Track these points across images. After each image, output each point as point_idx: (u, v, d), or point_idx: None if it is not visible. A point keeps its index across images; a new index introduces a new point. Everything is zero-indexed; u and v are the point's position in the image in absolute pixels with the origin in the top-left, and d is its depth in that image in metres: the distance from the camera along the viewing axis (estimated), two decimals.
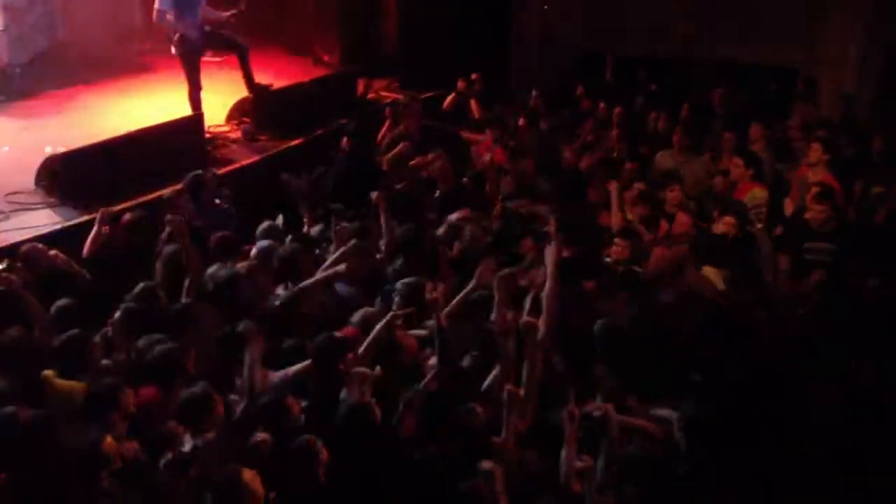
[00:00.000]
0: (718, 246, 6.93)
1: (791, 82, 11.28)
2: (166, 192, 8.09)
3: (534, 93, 11.02)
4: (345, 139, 9.33)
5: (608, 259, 7.08)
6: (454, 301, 5.85)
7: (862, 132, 9.67)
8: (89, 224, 7.22)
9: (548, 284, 5.52)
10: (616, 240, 7.13)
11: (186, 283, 6.16)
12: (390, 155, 9.24)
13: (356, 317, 5.77)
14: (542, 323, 5.21)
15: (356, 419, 4.71)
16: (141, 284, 6.09)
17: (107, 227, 6.93)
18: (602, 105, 10.85)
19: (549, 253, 5.67)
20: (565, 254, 6.13)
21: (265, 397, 4.93)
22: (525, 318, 5.24)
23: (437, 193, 8.49)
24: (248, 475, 4.14)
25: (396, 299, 5.93)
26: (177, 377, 5.07)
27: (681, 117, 10.10)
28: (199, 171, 8.04)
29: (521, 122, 10.29)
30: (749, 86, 11.25)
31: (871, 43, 11.60)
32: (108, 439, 4.40)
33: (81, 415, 4.77)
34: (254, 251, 6.97)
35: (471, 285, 5.88)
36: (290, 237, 7.14)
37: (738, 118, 9.89)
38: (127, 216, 7.21)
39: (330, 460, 4.46)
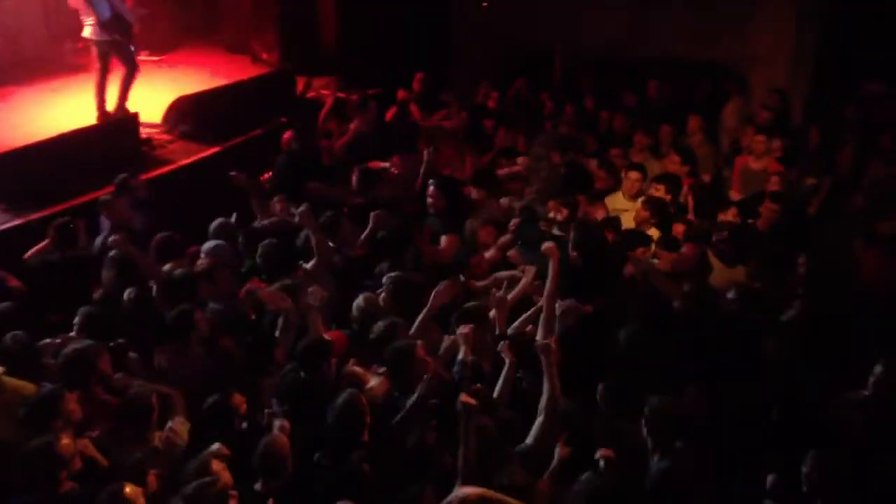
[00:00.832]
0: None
1: (726, 79, 11.49)
2: (102, 194, 7.99)
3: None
4: (286, 135, 9.30)
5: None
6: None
7: (795, 126, 9.90)
8: (25, 227, 7.15)
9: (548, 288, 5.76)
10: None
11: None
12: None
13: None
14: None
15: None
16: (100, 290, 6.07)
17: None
18: (549, 104, 10.95)
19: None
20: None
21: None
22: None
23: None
24: (130, 490, 4.07)
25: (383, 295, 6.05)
26: (90, 378, 4.99)
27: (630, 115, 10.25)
28: (126, 174, 7.97)
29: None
30: (684, 83, 11.41)
31: (802, 38, 11.86)
32: (65, 440, 4.30)
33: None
34: (207, 249, 6.92)
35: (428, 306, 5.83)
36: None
37: (674, 112, 10.06)
38: (56, 222, 7.11)
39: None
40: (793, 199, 8.04)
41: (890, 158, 8.57)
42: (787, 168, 8.47)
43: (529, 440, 4.80)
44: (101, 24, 9.10)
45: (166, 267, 6.62)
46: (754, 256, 6.62)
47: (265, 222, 7.54)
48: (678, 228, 7.25)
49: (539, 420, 4.83)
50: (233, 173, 7.87)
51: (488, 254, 7.18)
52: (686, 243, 6.88)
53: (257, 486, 4.44)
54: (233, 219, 7.60)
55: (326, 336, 5.48)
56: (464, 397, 4.45)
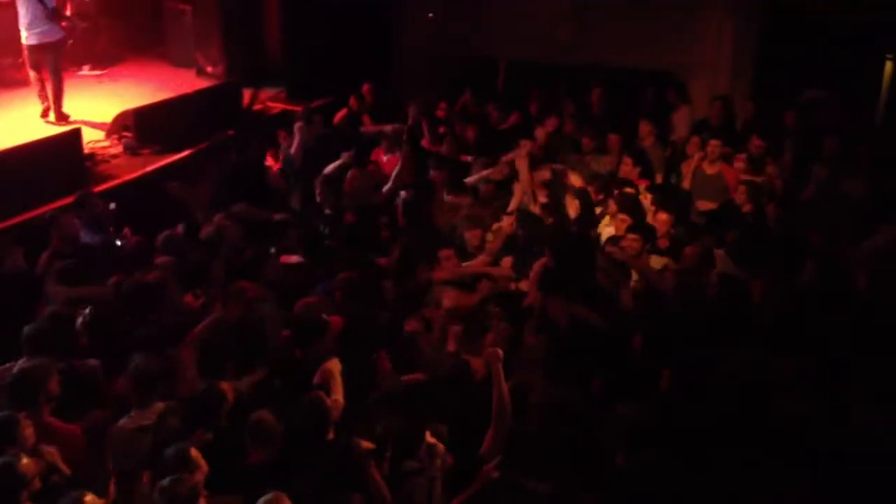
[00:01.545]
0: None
1: (669, 87, 11.66)
2: (48, 210, 7.87)
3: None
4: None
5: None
6: None
7: (738, 132, 10.06)
8: None
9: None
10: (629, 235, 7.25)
11: None
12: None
13: None
14: None
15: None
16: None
17: None
18: (494, 111, 11.02)
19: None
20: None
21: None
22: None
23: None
24: (91, 499, 4.06)
25: None
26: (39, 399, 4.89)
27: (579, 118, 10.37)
28: (87, 190, 7.87)
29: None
30: (627, 89, 11.56)
31: (742, 46, 12.10)
32: (25, 459, 4.24)
33: None
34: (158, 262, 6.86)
35: None
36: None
37: (619, 120, 10.20)
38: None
39: None
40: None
41: (833, 163, 8.74)
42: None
43: (482, 450, 4.81)
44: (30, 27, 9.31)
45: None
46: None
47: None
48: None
49: (490, 431, 4.85)
50: (170, 184, 7.84)
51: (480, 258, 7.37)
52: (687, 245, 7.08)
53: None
54: (179, 230, 7.54)
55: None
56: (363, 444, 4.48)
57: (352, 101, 11.08)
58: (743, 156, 8.87)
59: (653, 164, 9.24)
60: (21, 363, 5.08)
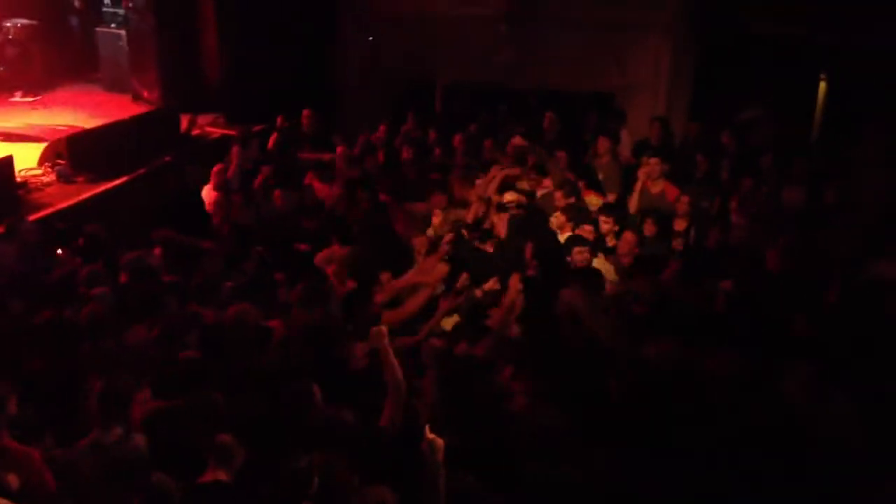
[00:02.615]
0: None
1: (608, 106, 11.77)
2: None
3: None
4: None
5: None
6: None
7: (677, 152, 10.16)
8: None
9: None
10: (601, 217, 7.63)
11: None
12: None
13: None
14: None
15: None
16: None
17: None
18: (433, 133, 11.01)
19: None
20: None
21: None
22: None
23: None
24: None
25: None
26: None
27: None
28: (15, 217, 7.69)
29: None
30: (567, 111, 11.63)
31: (679, 69, 12.29)
32: None
33: None
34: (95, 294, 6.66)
35: None
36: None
37: (563, 140, 10.25)
38: None
39: None
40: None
41: (770, 179, 8.89)
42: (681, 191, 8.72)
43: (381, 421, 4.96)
44: None
45: None
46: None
47: None
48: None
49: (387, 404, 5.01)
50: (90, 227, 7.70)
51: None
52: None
53: None
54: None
55: None
56: None
57: (279, 121, 10.93)
58: (656, 160, 8.94)
59: (607, 182, 9.34)
60: None
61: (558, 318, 6.41)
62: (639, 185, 8.91)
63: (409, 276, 7.45)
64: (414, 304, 6.99)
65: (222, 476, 4.46)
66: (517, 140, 10.12)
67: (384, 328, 5.32)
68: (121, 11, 12.29)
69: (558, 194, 8.50)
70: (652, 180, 8.82)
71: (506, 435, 4.98)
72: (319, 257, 7.76)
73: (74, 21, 13.47)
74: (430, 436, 4.48)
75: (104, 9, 12.60)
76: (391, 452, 4.64)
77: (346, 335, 5.91)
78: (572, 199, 8.40)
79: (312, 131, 11.07)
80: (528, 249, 7.49)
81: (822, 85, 11.48)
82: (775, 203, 8.50)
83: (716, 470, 4.69)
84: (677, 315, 6.32)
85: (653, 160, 8.90)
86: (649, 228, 7.92)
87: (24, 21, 12.38)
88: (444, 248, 7.56)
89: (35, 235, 7.68)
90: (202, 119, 11.87)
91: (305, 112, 11.13)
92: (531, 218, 8.29)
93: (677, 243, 7.99)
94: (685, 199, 8.26)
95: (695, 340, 5.76)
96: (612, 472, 4.72)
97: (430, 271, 7.40)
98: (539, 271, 7.12)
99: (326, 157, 10.16)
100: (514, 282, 6.83)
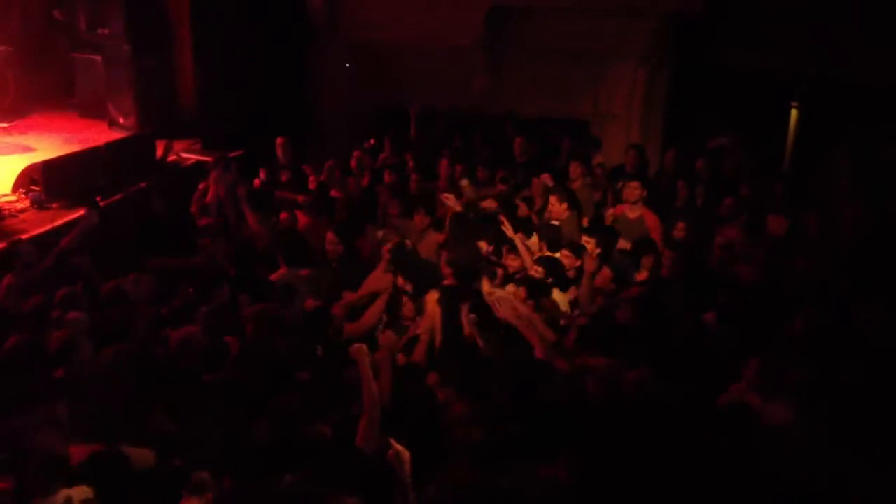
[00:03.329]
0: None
1: (583, 137, 11.88)
2: None
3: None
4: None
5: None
6: None
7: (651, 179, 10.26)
8: None
9: None
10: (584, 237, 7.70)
11: None
12: None
13: None
14: None
15: None
16: None
17: None
18: (411, 162, 11.06)
19: None
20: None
21: None
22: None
23: None
24: None
25: None
26: None
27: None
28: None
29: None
30: (542, 137, 11.73)
31: (652, 96, 12.45)
32: None
33: None
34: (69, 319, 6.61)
35: None
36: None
37: (535, 165, 10.33)
38: None
39: None
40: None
41: (749, 207, 8.97)
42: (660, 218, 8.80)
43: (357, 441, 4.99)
44: None
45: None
46: None
47: None
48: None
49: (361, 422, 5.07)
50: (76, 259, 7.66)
51: None
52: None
53: None
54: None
55: None
56: None
57: (262, 174, 10.83)
58: (636, 184, 8.98)
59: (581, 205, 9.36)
60: None
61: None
62: (616, 212, 8.98)
63: (362, 288, 7.63)
64: (372, 315, 7.18)
65: None
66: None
67: (364, 346, 5.40)
68: (97, 38, 12.28)
69: (553, 198, 8.67)
70: (630, 204, 8.88)
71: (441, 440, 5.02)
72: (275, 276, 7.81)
73: (49, 47, 13.41)
74: (398, 447, 4.45)
75: (80, 35, 12.59)
76: (366, 469, 4.63)
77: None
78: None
79: (286, 158, 11.05)
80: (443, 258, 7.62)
81: (794, 113, 11.66)
82: (755, 230, 8.55)
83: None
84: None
85: (633, 183, 8.95)
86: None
87: (0, 47, 12.35)
88: (386, 256, 7.63)
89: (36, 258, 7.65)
90: (178, 145, 11.84)
91: (279, 140, 11.10)
92: (462, 225, 8.39)
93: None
94: (682, 225, 8.30)
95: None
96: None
97: (380, 279, 7.56)
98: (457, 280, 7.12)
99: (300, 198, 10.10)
100: (431, 295, 6.92)
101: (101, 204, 8.66)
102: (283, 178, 10.72)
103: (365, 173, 10.75)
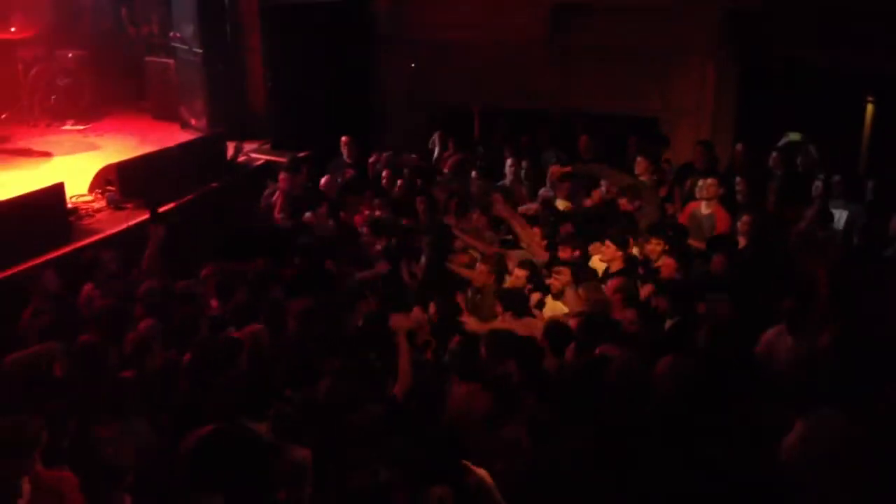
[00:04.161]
0: None
1: (649, 131, 11.74)
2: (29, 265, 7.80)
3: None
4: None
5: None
6: None
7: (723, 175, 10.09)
8: None
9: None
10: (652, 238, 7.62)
11: None
12: None
13: None
14: None
15: None
16: None
17: None
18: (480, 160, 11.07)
19: None
20: None
21: None
22: None
23: None
24: None
25: None
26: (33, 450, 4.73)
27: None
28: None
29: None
30: (608, 135, 11.64)
31: (723, 92, 12.24)
32: None
33: None
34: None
35: None
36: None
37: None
38: None
39: None
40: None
41: (822, 206, 8.76)
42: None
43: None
44: None
45: None
46: None
47: None
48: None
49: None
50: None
51: None
52: None
53: None
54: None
55: None
56: None
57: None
58: (714, 181, 8.90)
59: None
60: (11, 419, 4.90)
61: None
62: (688, 209, 8.86)
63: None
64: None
65: None
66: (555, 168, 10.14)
67: (404, 321, 5.93)
68: (169, 42, 12.55)
69: (622, 200, 8.61)
70: (706, 201, 8.78)
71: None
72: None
73: (124, 52, 13.74)
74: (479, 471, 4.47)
75: (153, 39, 12.89)
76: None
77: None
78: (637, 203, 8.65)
79: (351, 157, 11.15)
80: None
81: (870, 108, 11.36)
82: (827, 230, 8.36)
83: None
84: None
85: (710, 180, 8.83)
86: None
87: (76, 51, 12.68)
88: None
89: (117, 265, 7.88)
90: (248, 145, 12.04)
91: (344, 139, 11.21)
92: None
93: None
94: (747, 218, 8.12)
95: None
96: None
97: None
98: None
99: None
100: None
101: (164, 210, 8.84)
102: (348, 175, 10.80)
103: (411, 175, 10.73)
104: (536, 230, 8.49)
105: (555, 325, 6.21)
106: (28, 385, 5.60)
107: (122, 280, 7.68)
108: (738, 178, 9.27)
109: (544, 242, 8.23)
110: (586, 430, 4.86)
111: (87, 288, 7.54)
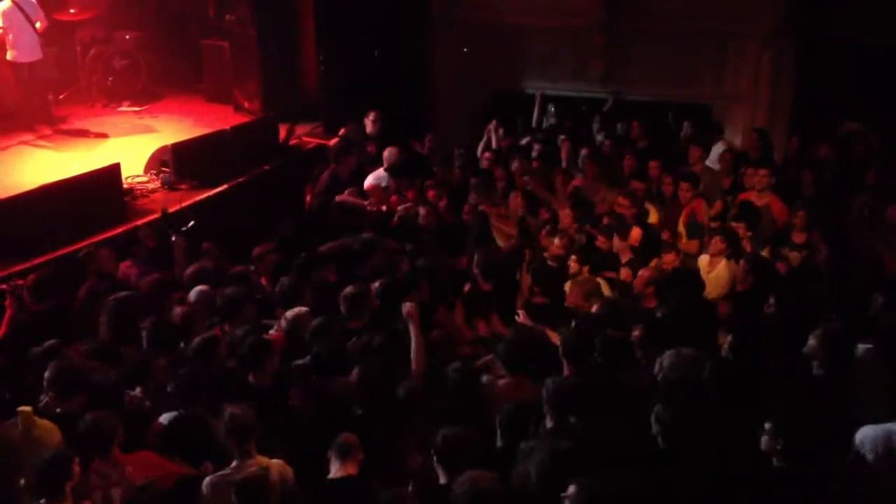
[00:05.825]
0: None
1: (704, 118, 11.59)
2: (83, 248, 7.96)
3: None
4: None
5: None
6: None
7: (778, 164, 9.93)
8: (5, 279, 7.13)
9: None
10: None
11: None
12: None
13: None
14: None
15: None
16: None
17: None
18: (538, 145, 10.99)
19: None
20: None
21: None
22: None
23: None
24: None
25: None
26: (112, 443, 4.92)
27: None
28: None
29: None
30: (662, 122, 11.51)
31: (779, 79, 12.02)
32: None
33: None
34: (191, 295, 6.96)
35: None
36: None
37: (655, 152, 10.12)
38: (30, 278, 7.10)
39: None
40: None
41: (876, 193, 8.61)
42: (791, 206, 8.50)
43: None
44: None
45: None
46: None
47: None
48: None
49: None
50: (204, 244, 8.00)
51: None
52: None
53: None
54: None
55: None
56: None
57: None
58: (765, 172, 8.72)
59: (709, 191, 9.13)
60: (88, 417, 5.01)
61: None
62: (741, 197, 8.73)
63: None
64: None
65: (352, 471, 4.76)
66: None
67: (415, 304, 6.09)
68: (224, 25, 12.65)
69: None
70: (758, 192, 8.64)
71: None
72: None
73: (179, 34, 13.88)
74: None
75: (208, 22, 13.01)
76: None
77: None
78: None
79: (375, 131, 11.12)
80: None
81: None
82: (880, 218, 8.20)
83: None
84: None
85: (762, 170, 8.69)
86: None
87: (133, 33, 12.84)
88: None
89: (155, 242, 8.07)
90: (300, 129, 12.12)
91: (371, 113, 11.17)
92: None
93: (794, 257, 7.75)
94: (802, 213, 8.02)
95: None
96: None
97: None
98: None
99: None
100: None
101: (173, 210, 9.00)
102: (371, 149, 10.80)
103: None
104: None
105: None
106: None
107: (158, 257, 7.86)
108: (805, 171, 9.12)
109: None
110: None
111: (124, 265, 7.73)
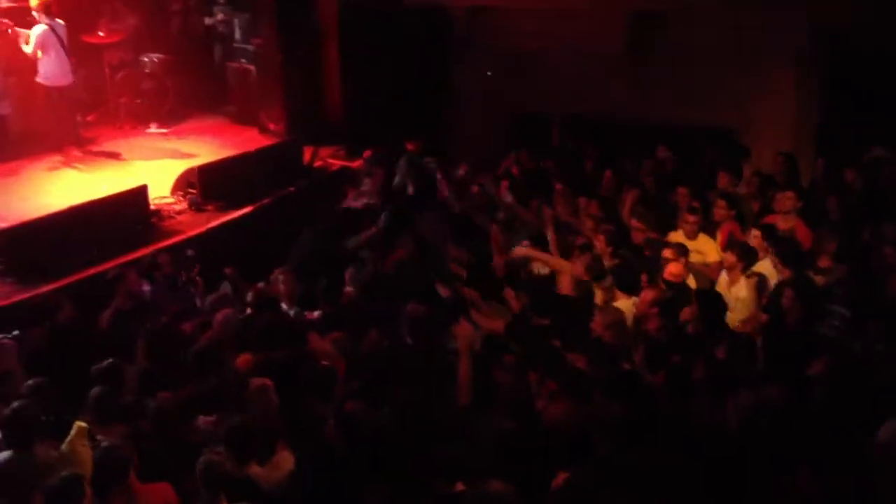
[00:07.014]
0: None
1: (730, 146, 11.54)
2: (111, 269, 8.04)
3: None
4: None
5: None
6: None
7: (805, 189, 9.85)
8: (32, 301, 7.19)
9: None
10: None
11: None
12: None
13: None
14: None
15: None
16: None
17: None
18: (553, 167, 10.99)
19: None
20: None
21: None
22: None
23: None
24: None
25: None
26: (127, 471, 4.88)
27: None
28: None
29: None
30: (686, 147, 11.46)
31: (804, 103, 11.97)
32: None
33: None
34: (218, 321, 6.97)
35: None
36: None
37: (680, 177, 10.07)
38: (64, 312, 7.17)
39: None
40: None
41: None
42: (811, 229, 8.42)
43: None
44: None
45: None
46: None
47: None
48: None
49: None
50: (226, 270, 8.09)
51: None
52: None
53: None
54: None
55: None
56: None
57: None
58: (792, 194, 8.64)
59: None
60: (102, 445, 5.01)
61: None
62: (766, 220, 8.66)
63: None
64: None
65: None
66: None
67: (470, 329, 6.17)
68: (250, 48, 12.78)
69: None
70: (783, 215, 8.59)
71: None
72: None
73: (206, 57, 14.02)
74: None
75: (234, 45, 13.14)
76: None
77: None
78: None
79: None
80: None
81: None
82: None
83: None
84: None
85: (787, 193, 8.59)
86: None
87: (160, 56, 12.99)
88: None
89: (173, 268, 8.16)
90: (324, 151, 12.20)
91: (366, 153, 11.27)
92: None
93: (819, 281, 7.63)
94: (826, 235, 7.92)
95: None
96: None
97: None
98: None
99: None
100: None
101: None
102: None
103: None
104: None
105: None
106: None
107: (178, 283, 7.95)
108: (831, 198, 9.04)
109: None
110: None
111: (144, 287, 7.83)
